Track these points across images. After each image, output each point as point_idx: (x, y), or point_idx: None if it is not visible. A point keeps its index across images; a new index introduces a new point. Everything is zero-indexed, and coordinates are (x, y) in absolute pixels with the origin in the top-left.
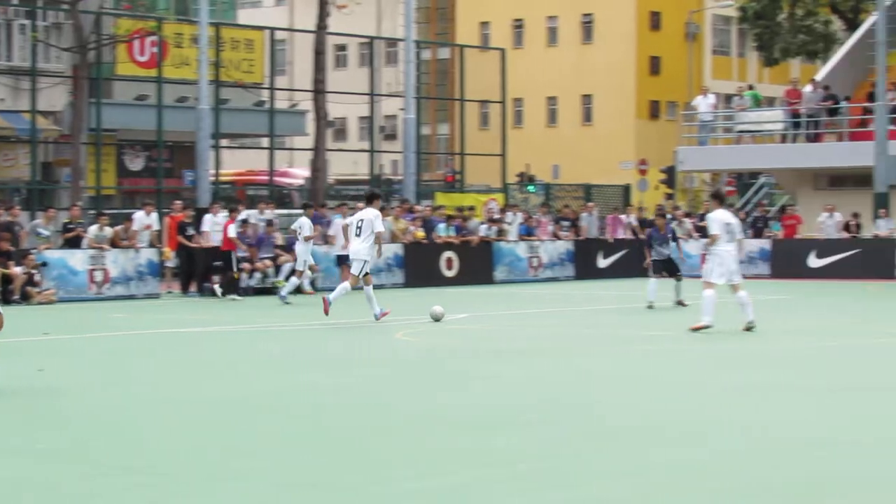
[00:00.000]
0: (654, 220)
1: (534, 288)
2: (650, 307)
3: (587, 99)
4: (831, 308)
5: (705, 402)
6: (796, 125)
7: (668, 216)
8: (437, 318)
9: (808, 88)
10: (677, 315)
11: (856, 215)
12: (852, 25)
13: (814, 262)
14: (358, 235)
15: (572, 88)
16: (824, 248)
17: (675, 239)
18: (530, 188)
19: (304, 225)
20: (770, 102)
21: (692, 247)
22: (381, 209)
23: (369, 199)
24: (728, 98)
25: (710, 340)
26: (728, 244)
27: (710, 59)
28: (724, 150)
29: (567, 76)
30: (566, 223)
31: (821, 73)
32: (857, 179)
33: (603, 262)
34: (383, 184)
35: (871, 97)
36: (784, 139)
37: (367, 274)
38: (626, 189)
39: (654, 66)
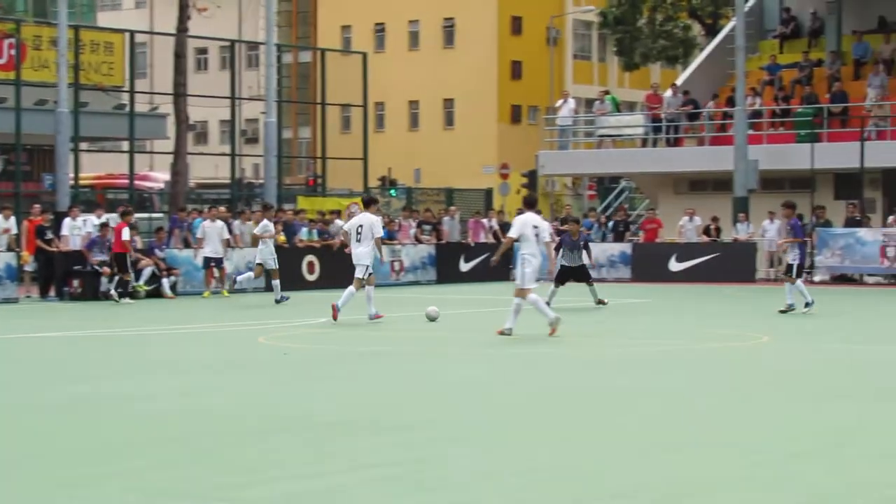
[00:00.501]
0: (566, 226)
1: (396, 292)
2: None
3: (449, 103)
4: (685, 311)
5: (566, 406)
6: (657, 130)
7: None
8: (432, 319)
9: (668, 93)
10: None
11: (715, 219)
12: (711, 31)
13: (674, 265)
14: (358, 241)
15: (434, 92)
16: (684, 251)
17: (586, 246)
18: (392, 192)
19: (266, 227)
20: (630, 107)
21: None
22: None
23: (367, 204)
24: (589, 103)
25: (571, 345)
26: (536, 248)
27: (572, 63)
28: (585, 155)
29: (429, 80)
30: (428, 227)
31: (681, 79)
32: (716, 184)
33: (465, 266)
34: (245, 188)
35: (730, 102)
36: (644, 144)
37: (370, 274)
38: (488, 193)
39: (516, 70)
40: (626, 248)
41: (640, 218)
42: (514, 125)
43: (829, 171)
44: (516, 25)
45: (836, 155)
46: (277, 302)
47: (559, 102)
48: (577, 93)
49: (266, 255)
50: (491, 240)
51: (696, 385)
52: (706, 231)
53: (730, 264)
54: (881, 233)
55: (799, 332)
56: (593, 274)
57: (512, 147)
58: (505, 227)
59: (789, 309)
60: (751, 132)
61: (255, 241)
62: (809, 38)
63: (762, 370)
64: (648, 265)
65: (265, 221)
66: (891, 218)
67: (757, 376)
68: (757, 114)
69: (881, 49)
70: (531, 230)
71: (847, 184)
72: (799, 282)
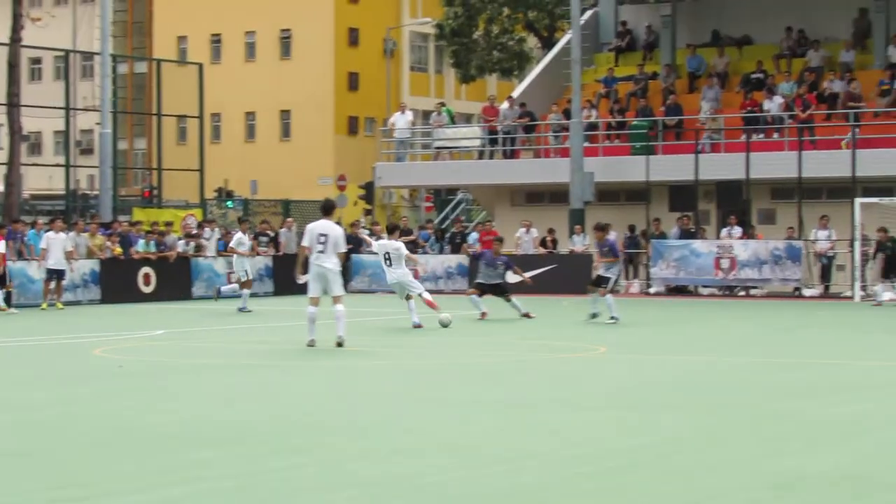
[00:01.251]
0: (492, 243)
1: (233, 303)
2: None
3: (286, 114)
4: (522, 322)
5: (399, 418)
6: (493, 142)
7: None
8: (445, 325)
9: (504, 106)
10: (382, 330)
11: (552, 231)
12: (548, 43)
13: (511, 277)
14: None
15: (271, 104)
16: (521, 263)
17: (509, 267)
18: (229, 203)
19: (241, 240)
20: (467, 119)
21: None
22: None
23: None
24: (426, 114)
25: (406, 356)
26: (325, 256)
27: (408, 75)
28: (422, 167)
29: (265, 91)
30: (265, 239)
31: (517, 91)
32: (553, 196)
33: (302, 278)
34: (80, 199)
35: (567, 114)
36: (481, 156)
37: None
38: None
39: (353, 81)
40: (463, 259)
41: (478, 230)
42: (352, 137)
43: (664, 183)
44: (353, 37)
45: (671, 167)
46: (240, 310)
47: (395, 114)
48: (413, 105)
49: (239, 267)
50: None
51: (532, 396)
52: (543, 243)
53: (566, 276)
54: (715, 245)
55: (635, 344)
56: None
57: (349, 159)
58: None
59: (593, 317)
60: (587, 144)
61: (231, 253)
62: (644, 52)
63: (598, 381)
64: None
65: (239, 234)
66: (724, 231)
67: (593, 387)
68: (593, 126)
69: (715, 62)
70: (317, 238)
71: (682, 196)
72: (609, 296)
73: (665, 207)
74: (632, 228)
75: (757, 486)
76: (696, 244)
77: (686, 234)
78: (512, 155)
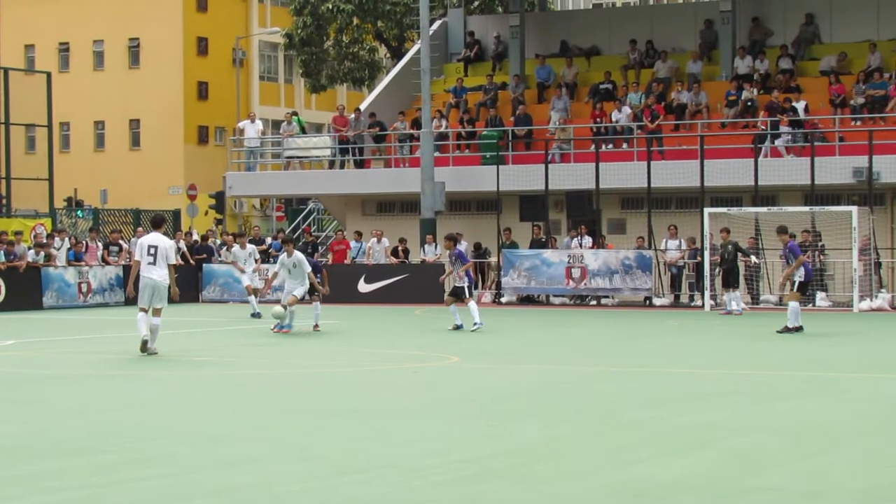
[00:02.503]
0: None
1: (83, 314)
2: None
3: (135, 123)
4: (374, 332)
5: (254, 428)
6: (343, 151)
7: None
8: (278, 317)
9: (352, 116)
10: (233, 340)
11: (403, 241)
12: (397, 53)
13: (363, 286)
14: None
15: (120, 113)
16: (373, 273)
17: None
18: (79, 213)
19: (237, 255)
20: (317, 129)
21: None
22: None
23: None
24: (276, 124)
25: (254, 366)
26: (155, 267)
27: (258, 84)
28: (272, 176)
29: (114, 100)
30: (115, 248)
31: (367, 101)
32: (404, 205)
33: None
34: None
35: (416, 124)
36: (332, 165)
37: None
38: (177, 214)
39: (202, 91)
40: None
41: (329, 239)
42: (202, 146)
43: (514, 192)
44: (202, 46)
45: (521, 177)
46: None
47: (243, 123)
48: (263, 114)
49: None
50: (179, 261)
51: (384, 405)
52: (395, 252)
53: (418, 285)
54: (566, 254)
55: (487, 353)
56: None
57: (199, 168)
58: (192, 248)
59: (457, 328)
60: (437, 154)
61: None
62: (494, 62)
63: (451, 390)
64: (337, 286)
65: (236, 247)
66: (573, 241)
67: (446, 396)
68: (443, 136)
69: (563, 72)
70: (146, 250)
71: (532, 205)
72: (472, 303)
73: (516, 217)
74: (477, 246)
75: (611, 495)
76: (547, 254)
77: (536, 244)
78: (362, 165)
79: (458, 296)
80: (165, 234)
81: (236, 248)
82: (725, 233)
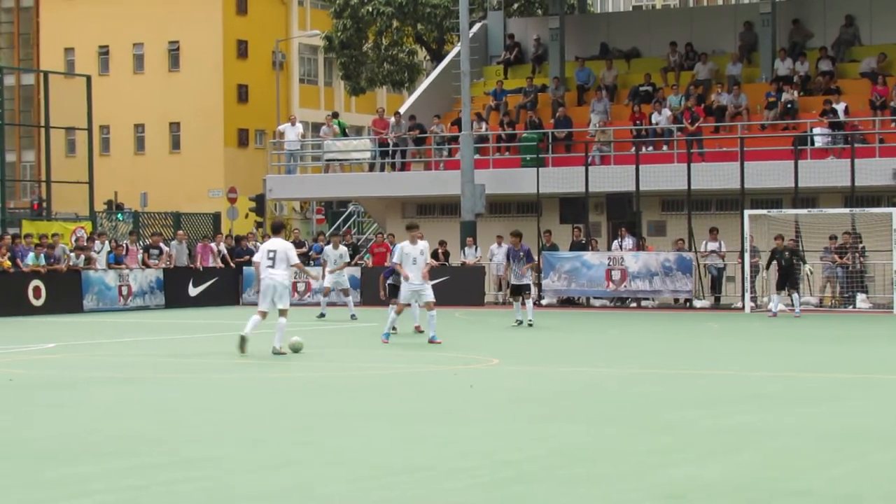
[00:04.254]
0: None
1: (124, 316)
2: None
3: (175, 126)
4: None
5: (287, 430)
6: (384, 154)
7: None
8: (296, 350)
9: (393, 120)
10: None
11: (443, 243)
12: (437, 56)
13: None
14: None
15: (160, 116)
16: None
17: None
18: (119, 216)
19: (328, 255)
20: (357, 131)
21: None
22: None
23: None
24: (316, 127)
25: (302, 368)
26: (275, 271)
27: (298, 87)
28: (312, 179)
29: (154, 104)
30: (155, 251)
31: (407, 103)
32: (444, 208)
33: (193, 291)
34: None
35: (457, 126)
36: (372, 168)
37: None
38: (216, 217)
39: (242, 94)
40: (355, 272)
41: (370, 242)
42: (242, 149)
43: (554, 195)
44: (242, 49)
45: (561, 179)
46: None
47: (283, 126)
48: (303, 117)
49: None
50: (219, 264)
51: (424, 407)
52: (434, 255)
53: (458, 288)
54: (606, 256)
55: (528, 355)
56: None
57: (239, 171)
58: (232, 251)
59: (519, 324)
60: (477, 157)
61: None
62: (533, 64)
63: (490, 393)
64: (377, 289)
65: (329, 247)
66: (615, 242)
67: (485, 399)
68: (483, 139)
69: (603, 75)
70: (265, 255)
71: (572, 208)
72: (529, 301)
73: (556, 219)
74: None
75: (648, 497)
76: (588, 256)
77: (576, 246)
78: (403, 167)
79: (520, 293)
80: (285, 238)
81: (328, 247)
82: (780, 239)
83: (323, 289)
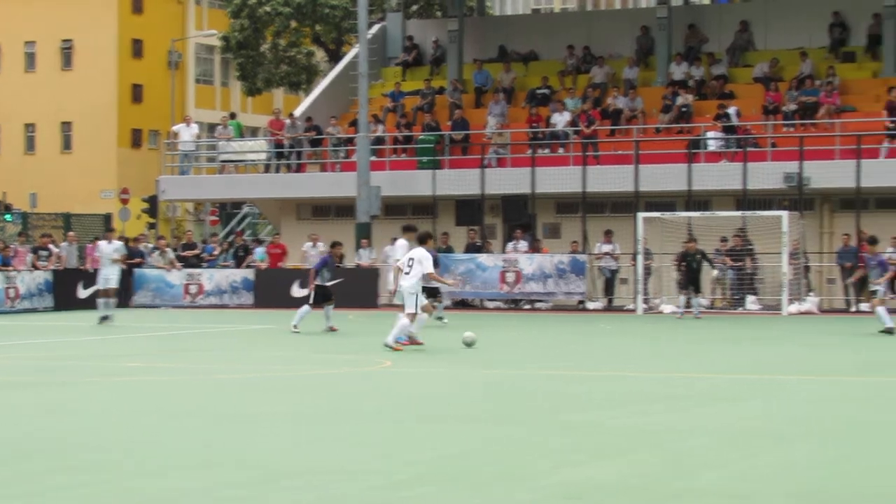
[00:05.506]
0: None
1: (11, 319)
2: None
3: (67, 126)
4: (308, 337)
5: (185, 432)
6: (280, 155)
7: (208, 247)
8: (469, 344)
9: (288, 122)
10: (168, 345)
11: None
12: (335, 57)
13: (297, 291)
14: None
15: (51, 115)
16: (307, 277)
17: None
18: (7, 217)
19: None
20: (253, 132)
21: (174, 276)
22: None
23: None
24: (212, 127)
25: (192, 371)
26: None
27: (194, 87)
28: (207, 180)
29: (46, 103)
30: (45, 253)
31: (304, 104)
32: (339, 209)
33: (83, 293)
34: None
35: (353, 128)
36: (268, 169)
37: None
38: (108, 218)
39: (137, 94)
40: (248, 273)
41: (263, 242)
42: (135, 149)
43: (450, 197)
44: (137, 48)
45: (458, 181)
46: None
47: (178, 126)
48: (199, 117)
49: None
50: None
51: (320, 410)
52: None
53: (353, 290)
54: (501, 258)
55: (421, 357)
56: None
57: (132, 172)
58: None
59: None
60: (373, 158)
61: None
62: (432, 66)
63: (386, 395)
64: (271, 291)
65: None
66: (509, 245)
67: (380, 401)
68: (379, 140)
69: (501, 77)
70: (406, 262)
71: (468, 210)
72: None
73: (451, 221)
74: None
75: (546, 498)
76: (482, 258)
77: (472, 248)
78: (298, 168)
79: (435, 296)
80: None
81: (102, 243)
82: (692, 242)
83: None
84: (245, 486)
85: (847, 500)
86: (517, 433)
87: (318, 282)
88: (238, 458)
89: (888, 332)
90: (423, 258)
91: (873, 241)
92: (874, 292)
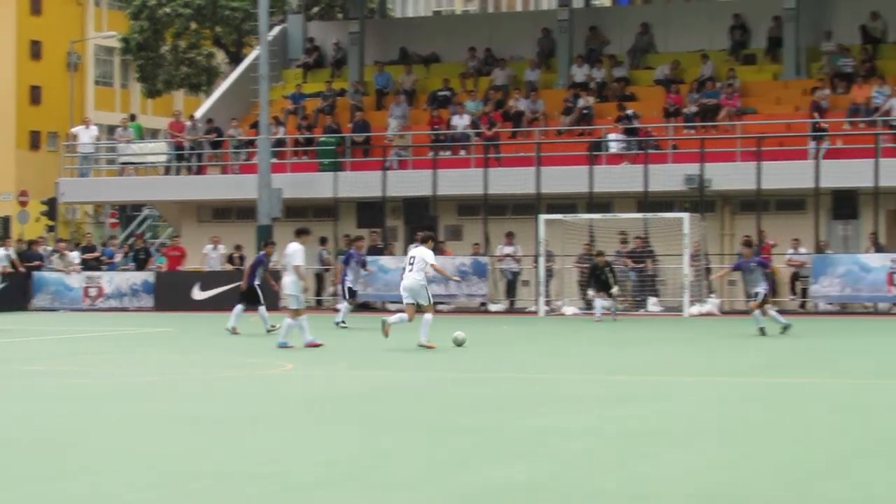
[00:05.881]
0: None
1: None
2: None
3: None
4: (207, 340)
5: (88, 435)
6: (180, 157)
7: (107, 250)
8: (459, 343)
9: (189, 123)
10: (67, 348)
11: (239, 247)
12: (235, 59)
13: (198, 294)
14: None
15: None
16: (208, 280)
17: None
18: None
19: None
20: (154, 134)
21: (74, 280)
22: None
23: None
24: (112, 129)
25: (77, 374)
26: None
27: (93, 89)
28: (106, 182)
29: None
30: None
31: (205, 106)
32: (240, 212)
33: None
34: None
35: (254, 130)
36: (168, 171)
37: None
38: (6, 221)
39: (35, 95)
40: (148, 276)
41: (164, 246)
42: (34, 151)
43: (352, 199)
44: (35, 49)
45: (359, 184)
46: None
47: (77, 128)
48: (99, 119)
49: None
50: (9, 269)
51: (220, 413)
52: (230, 259)
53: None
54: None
55: (322, 360)
56: None
57: (31, 174)
58: (22, 255)
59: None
60: (275, 161)
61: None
62: (333, 68)
63: (286, 397)
64: (172, 294)
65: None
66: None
67: (281, 403)
68: (281, 142)
69: (402, 79)
70: (408, 259)
71: (369, 212)
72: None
73: (353, 223)
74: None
75: (446, 501)
76: (384, 260)
77: (374, 251)
78: (199, 171)
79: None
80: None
81: None
82: (601, 256)
83: None
84: (144, 490)
85: (748, 501)
86: (417, 436)
87: (255, 282)
88: (137, 461)
89: (761, 332)
90: (425, 255)
91: (748, 244)
92: (755, 295)
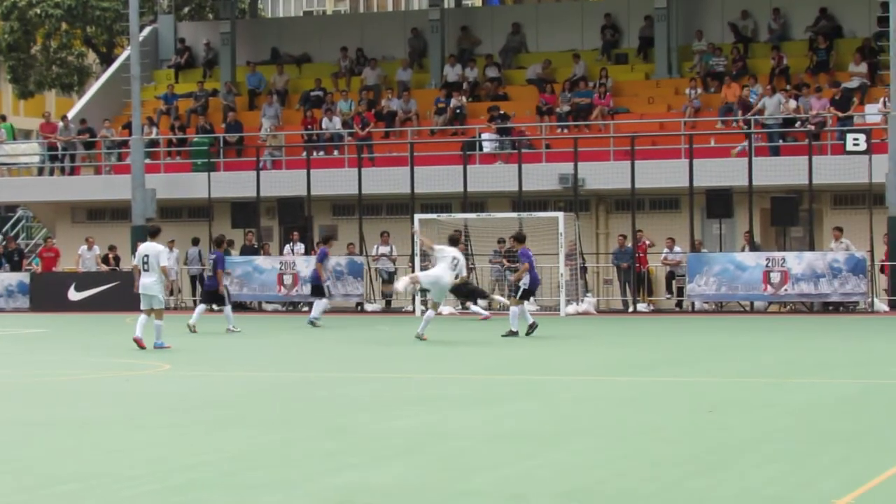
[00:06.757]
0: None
1: None
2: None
3: None
4: (84, 341)
5: None
6: (53, 158)
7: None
8: (398, 292)
9: (61, 124)
10: None
11: (113, 248)
12: (107, 59)
13: (73, 294)
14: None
15: None
16: (83, 280)
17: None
18: None
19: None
20: (26, 135)
21: None
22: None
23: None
24: None
25: None
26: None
27: None
28: None
29: None
30: None
31: (77, 107)
32: (115, 212)
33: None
34: None
35: (127, 130)
36: (41, 172)
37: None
38: None
39: None
40: (24, 277)
41: (39, 247)
42: None
43: (226, 199)
44: None
45: (233, 184)
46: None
47: None
48: None
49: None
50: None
51: (91, 415)
52: (105, 260)
53: (130, 293)
54: (278, 261)
55: (199, 361)
56: None
57: None
58: None
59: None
60: (148, 161)
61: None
62: (204, 69)
63: (161, 398)
64: (47, 295)
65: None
66: (286, 247)
67: (155, 405)
68: (154, 143)
69: (274, 80)
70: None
71: (244, 212)
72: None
73: (227, 224)
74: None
75: (320, 502)
76: (259, 260)
77: (248, 251)
78: (72, 171)
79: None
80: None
81: None
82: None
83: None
84: (17, 493)
85: (622, 499)
86: (291, 436)
87: (225, 283)
88: (10, 464)
89: (512, 334)
90: (456, 255)
91: (520, 238)
92: (516, 290)
